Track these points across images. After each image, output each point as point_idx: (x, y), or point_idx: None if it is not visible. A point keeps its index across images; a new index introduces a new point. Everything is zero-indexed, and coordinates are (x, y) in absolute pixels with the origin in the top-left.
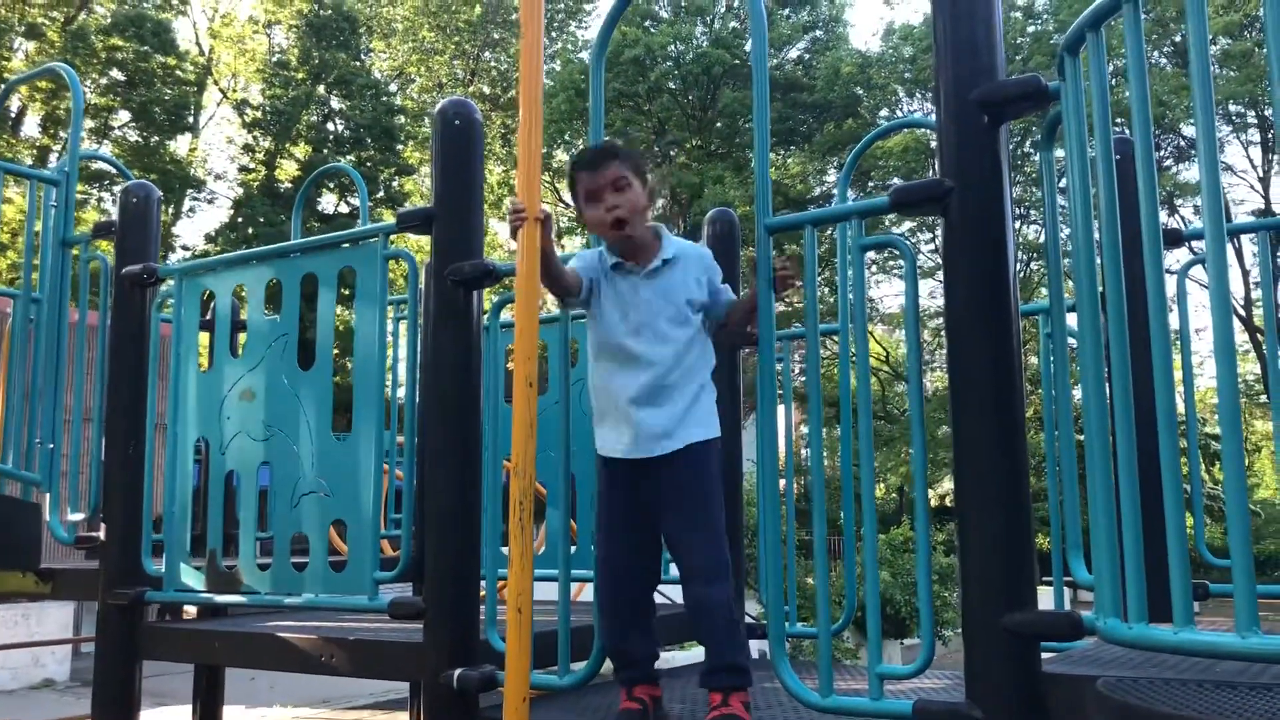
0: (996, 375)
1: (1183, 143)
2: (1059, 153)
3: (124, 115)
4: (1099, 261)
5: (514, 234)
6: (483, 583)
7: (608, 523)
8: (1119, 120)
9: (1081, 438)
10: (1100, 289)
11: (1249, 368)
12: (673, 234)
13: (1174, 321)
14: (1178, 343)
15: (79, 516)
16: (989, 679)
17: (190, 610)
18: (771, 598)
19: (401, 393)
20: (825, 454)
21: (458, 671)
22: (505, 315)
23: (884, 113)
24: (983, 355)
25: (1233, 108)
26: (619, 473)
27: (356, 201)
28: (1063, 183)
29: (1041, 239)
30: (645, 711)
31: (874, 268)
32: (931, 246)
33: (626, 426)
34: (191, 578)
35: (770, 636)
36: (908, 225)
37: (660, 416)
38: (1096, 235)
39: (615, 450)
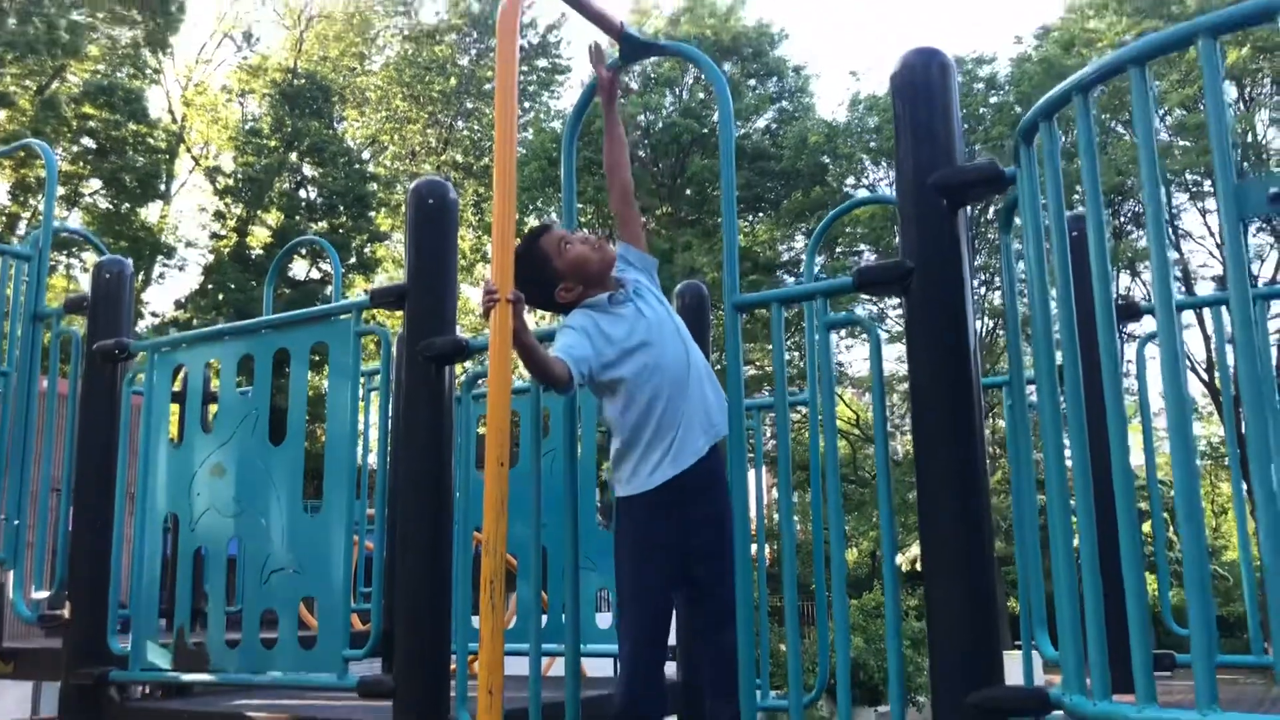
0: (959, 451)
1: (1142, 210)
2: (1019, 220)
3: (95, 183)
4: (1056, 337)
5: (486, 314)
6: (454, 656)
7: (648, 554)
8: (1078, 189)
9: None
10: (1058, 363)
11: (1213, 429)
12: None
13: (1140, 388)
14: (1141, 413)
15: (43, 594)
16: None
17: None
18: (744, 672)
19: (373, 459)
20: (797, 518)
21: None
22: (480, 385)
23: (850, 181)
24: (945, 429)
25: (1189, 177)
26: (664, 498)
27: (328, 268)
28: (1021, 263)
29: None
30: None
31: (844, 332)
32: (899, 312)
33: (704, 428)
34: (158, 656)
35: (742, 709)
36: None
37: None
38: (1055, 311)
39: (698, 451)
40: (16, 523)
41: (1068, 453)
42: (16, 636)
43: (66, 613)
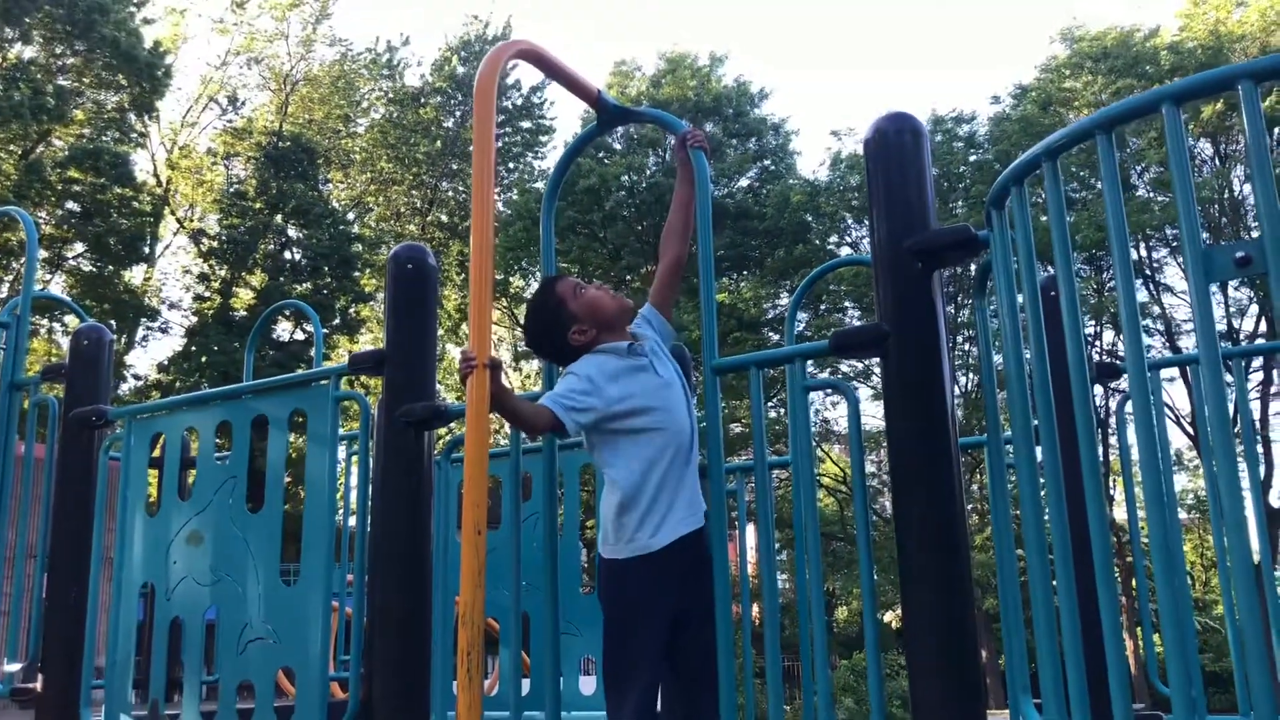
0: (937, 512)
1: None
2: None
3: (79, 246)
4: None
5: (463, 380)
6: None
7: (648, 619)
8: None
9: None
10: (1035, 422)
11: (1200, 483)
12: (588, 359)
13: (1120, 445)
14: (1122, 469)
15: (16, 667)
16: None
17: None
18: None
19: (354, 520)
20: (784, 577)
21: None
22: (458, 453)
23: (834, 239)
24: (924, 489)
25: (1170, 231)
26: (664, 563)
27: (311, 328)
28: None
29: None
30: None
31: (829, 390)
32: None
33: (698, 502)
34: None
35: None
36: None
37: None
38: (1030, 371)
39: (692, 523)
40: None
41: (1046, 512)
42: None
43: (39, 686)
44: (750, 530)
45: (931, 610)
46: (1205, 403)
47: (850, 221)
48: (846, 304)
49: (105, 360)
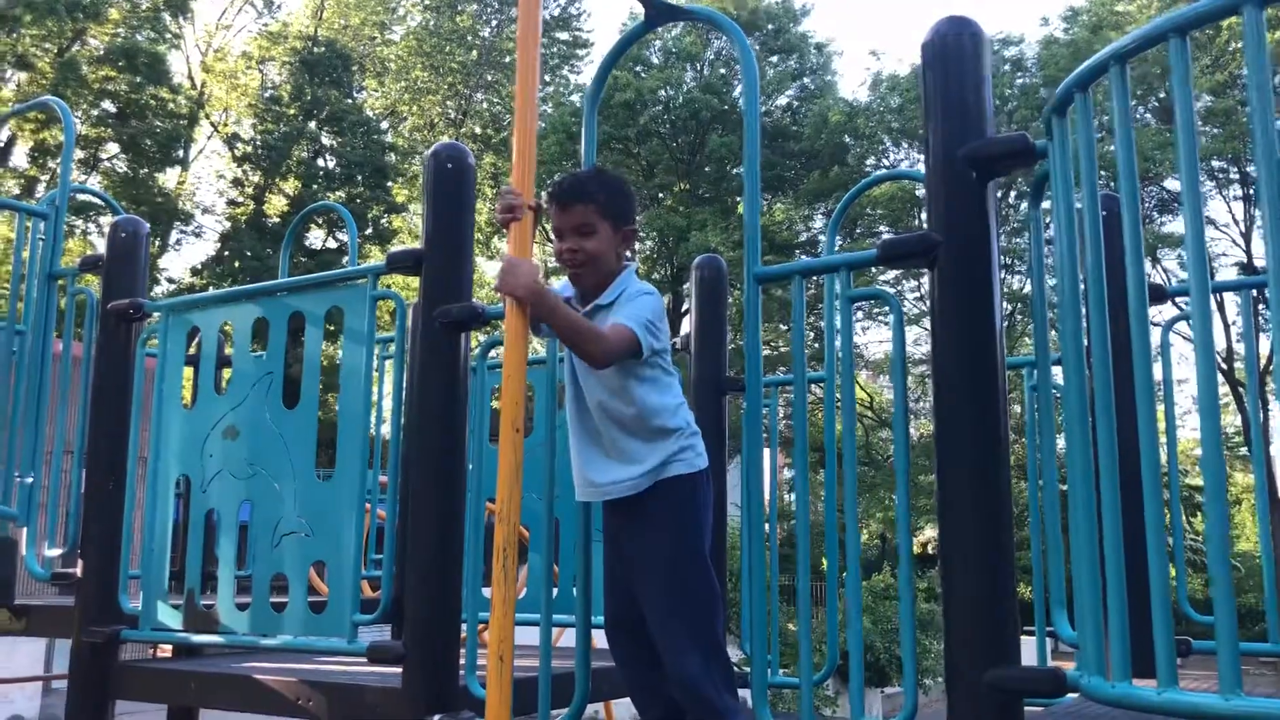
0: (981, 427)
1: (1166, 195)
2: (1046, 204)
3: (113, 147)
4: (1084, 315)
5: (505, 226)
6: (463, 625)
7: (704, 534)
8: (1104, 172)
9: (1065, 487)
10: (1085, 342)
11: (1229, 420)
12: (633, 275)
13: (1157, 374)
14: (1161, 395)
15: (56, 552)
16: None
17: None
18: (756, 649)
19: (386, 429)
20: (809, 499)
21: (436, 718)
22: (493, 356)
23: (870, 161)
24: (968, 406)
25: (1216, 164)
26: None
27: (344, 237)
28: (1049, 236)
29: (1026, 289)
30: None
31: (859, 314)
32: (916, 294)
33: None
34: (168, 616)
35: (753, 686)
36: (893, 273)
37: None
38: (1082, 289)
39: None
40: (30, 480)
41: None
42: (28, 594)
43: (78, 571)
44: (772, 453)
45: (971, 526)
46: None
47: (889, 144)
48: (882, 229)
49: (142, 253)
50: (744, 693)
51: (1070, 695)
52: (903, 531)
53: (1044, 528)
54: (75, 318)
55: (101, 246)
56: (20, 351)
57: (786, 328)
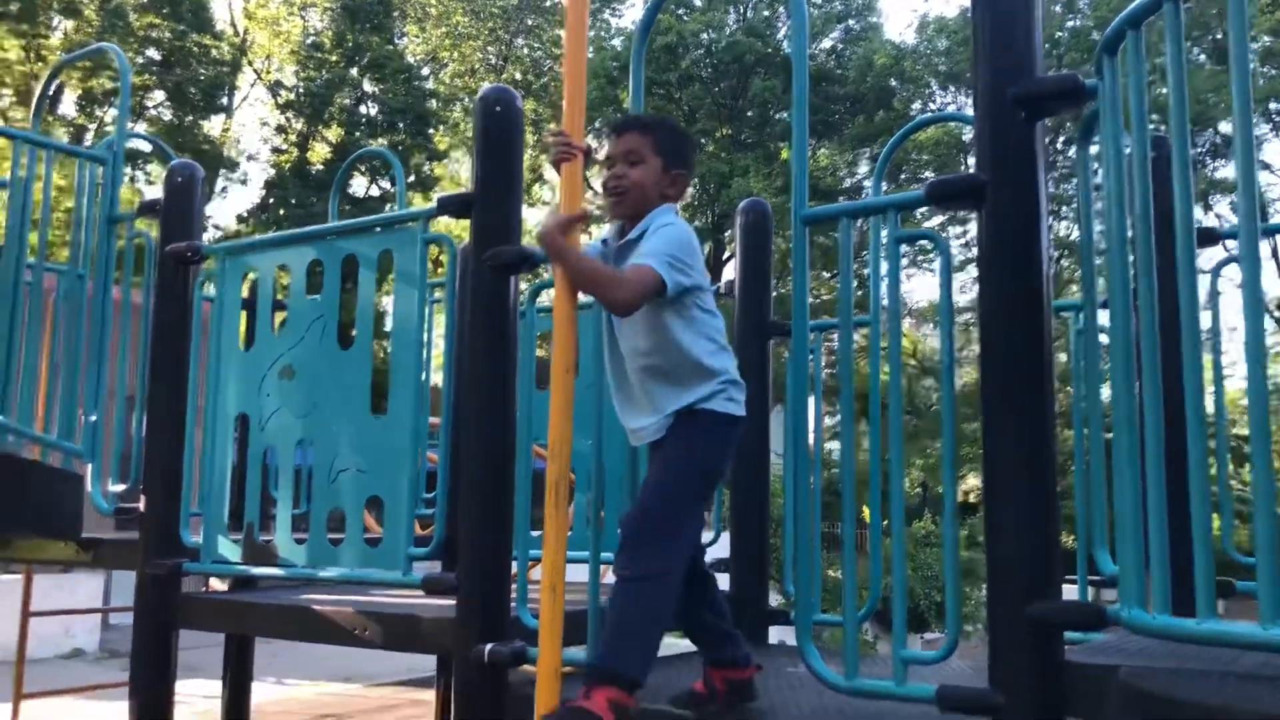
0: (1029, 366)
1: (1219, 139)
2: (1094, 149)
3: (159, 94)
4: (1132, 259)
5: (556, 165)
6: (513, 565)
7: (717, 475)
8: (1155, 117)
9: (1110, 435)
10: (1133, 286)
11: (1278, 369)
12: (666, 210)
13: (1206, 321)
14: (1209, 341)
15: (120, 488)
16: (1012, 666)
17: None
18: (800, 584)
19: (435, 377)
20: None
21: (489, 646)
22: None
23: (917, 105)
24: (1015, 346)
25: (1273, 106)
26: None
27: (386, 184)
28: (1098, 179)
29: (1072, 235)
30: (702, 699)
31: (904, 261)
32: (962, 241)
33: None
34: (228, 549)
35: (797, 623)
36: (937, 219)
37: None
38: (1131, 233)
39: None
40: (94, 419)
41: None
42: (92, 528)
43: (142, 506)
44: (816, 401)
45: (1014, 460)
46: None
47: (935, 88)
48: (927, 174)
49: (198, 197)
50: (786, 631)
51: (1109, 634)
52: (948, 471)
53: (1089, 470)
54: (135, 262)
55: (148, 193)
56: (82, 294)
57: (830, 275)
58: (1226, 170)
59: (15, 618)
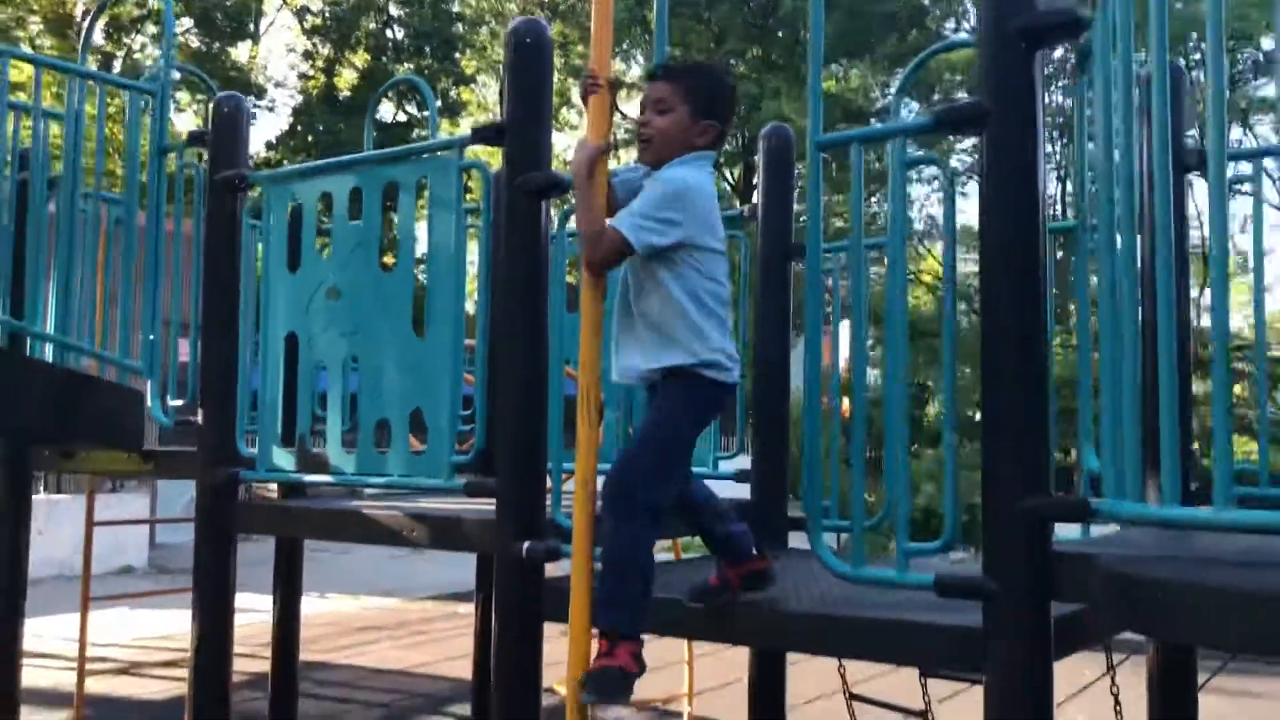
0: (1025, 279)
1: (1261, 58)
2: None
3: (186, 21)
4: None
5: (584, 98)
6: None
7: (698, 428)
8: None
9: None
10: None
11: None
12: (680, 169)
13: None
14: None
15: (178, 402)
16: (1005, 555)
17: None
18: (808, 480)
19: (469, 305)
20: (875, 373)
21: (526, 543)
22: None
23: (951, 24)
24: (1014, 261)
25: None
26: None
27: (413, 109)
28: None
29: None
30: (715, 590)
31: (934, 184)
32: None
33: None
34: (283, 459)
35: (807, 512)
36: (970, 142)
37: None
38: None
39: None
40: (152, 338)
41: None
42: (151, 441)
43: (199, 418)
44: (834, 325)
45: (1010, 364)
46: None
47: (969, 6)
48: (961, 95)
49: (244, 126)
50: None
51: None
52: (947, 378)
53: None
54: (185, 190)
55: (180, 123)
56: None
57: (840, 197)
58: (1267, 89)
59: (69, 538)
